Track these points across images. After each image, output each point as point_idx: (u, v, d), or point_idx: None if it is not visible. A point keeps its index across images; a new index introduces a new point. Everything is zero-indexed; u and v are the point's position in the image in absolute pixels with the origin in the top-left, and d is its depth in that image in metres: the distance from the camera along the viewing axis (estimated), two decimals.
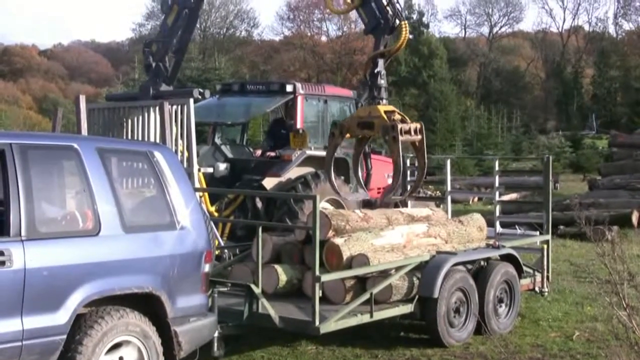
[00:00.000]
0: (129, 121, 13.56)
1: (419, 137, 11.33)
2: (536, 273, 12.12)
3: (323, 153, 15.11)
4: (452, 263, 10.32)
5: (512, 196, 25.15)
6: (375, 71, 11.71)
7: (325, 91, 15.98)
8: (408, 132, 11.13)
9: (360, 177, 12.96)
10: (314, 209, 9.00)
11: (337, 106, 16.39)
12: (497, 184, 13.56)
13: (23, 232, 6.76)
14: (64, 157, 7.57)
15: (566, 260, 16.14)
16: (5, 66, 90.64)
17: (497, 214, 13.38)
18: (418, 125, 11.38)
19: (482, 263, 11.09)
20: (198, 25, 75.86)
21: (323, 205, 13.88)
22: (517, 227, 14.60)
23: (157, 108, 13.02)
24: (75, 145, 7.50)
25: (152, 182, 8.12)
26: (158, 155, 8.11)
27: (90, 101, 14.37)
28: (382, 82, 11.72)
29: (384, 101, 11.67)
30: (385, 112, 11.29)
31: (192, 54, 45.53)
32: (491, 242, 11.59)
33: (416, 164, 13.61)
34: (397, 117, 11.28)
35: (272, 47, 79.71)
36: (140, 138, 13.31)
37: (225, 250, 11.99)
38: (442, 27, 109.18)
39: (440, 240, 10.99)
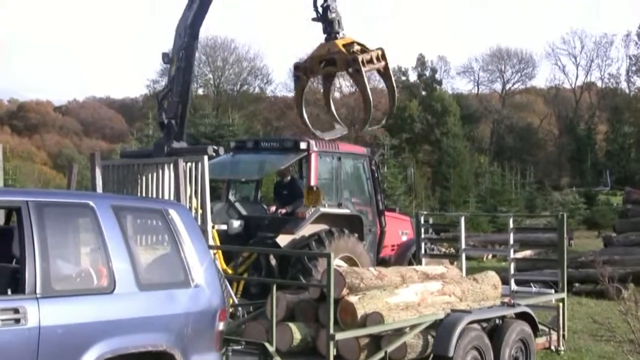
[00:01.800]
0: (144, 178, 13.62)
1: (383, 63, 11.29)
2: (552, 331, 12.03)
3: (337, 210, 15.17)
4: (467, 321, 10.25)
5: (527, 253, 25.03)
6: (325, 5, 11.60)
7: (339, 148, 16.01)
8: (370, 61, 11.08)
9: (335, 113, 12.79)
10: (328, 267, 8.98)
11: (351, 163, 16.42)
12: (511, 242, 13.49)
13: (38, 290, 6.75)
14: (80, 214, 7.60)
15: (582, 318, 16.01)
16: (21, 122, 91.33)
17: (512, 271, 13.30)
18: (380, 52, 11.32)
19: (497, 321, 11.01)
20: (212, 82, 76.62)
21: (337, 262, 13.86)
22: (532, 284, 14.49)
23: (172, 165, 13.09)
24: (91, 203, 7.53)
25: (167, 240, 8.14)
26: (173, 213, 8.14)
27: (105, 157, 14.48)
28: (334, 15, 11.59)
29: (341, 34, 11.56)
30: (344, 45, 11.18)
31: (206, 111, 45.76)
32: (506, 300, 11.52)
33: (429, 228, 13.62)
34: (357, 47, 11.18)
35: (286, 104, 79.97)
36: (154, 195, 13.36)
37: (239, 308, 11.96)
38: (455, 84, 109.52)
39: (454, 298, 10.93)
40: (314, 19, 12.21)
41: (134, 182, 13.70)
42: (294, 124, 74.58)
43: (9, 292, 6.79)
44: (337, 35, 11.52)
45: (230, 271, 13.91)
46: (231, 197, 16.15)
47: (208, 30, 72.33)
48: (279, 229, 14.62)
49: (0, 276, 7.26)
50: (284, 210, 15.44)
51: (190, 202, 12.87)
